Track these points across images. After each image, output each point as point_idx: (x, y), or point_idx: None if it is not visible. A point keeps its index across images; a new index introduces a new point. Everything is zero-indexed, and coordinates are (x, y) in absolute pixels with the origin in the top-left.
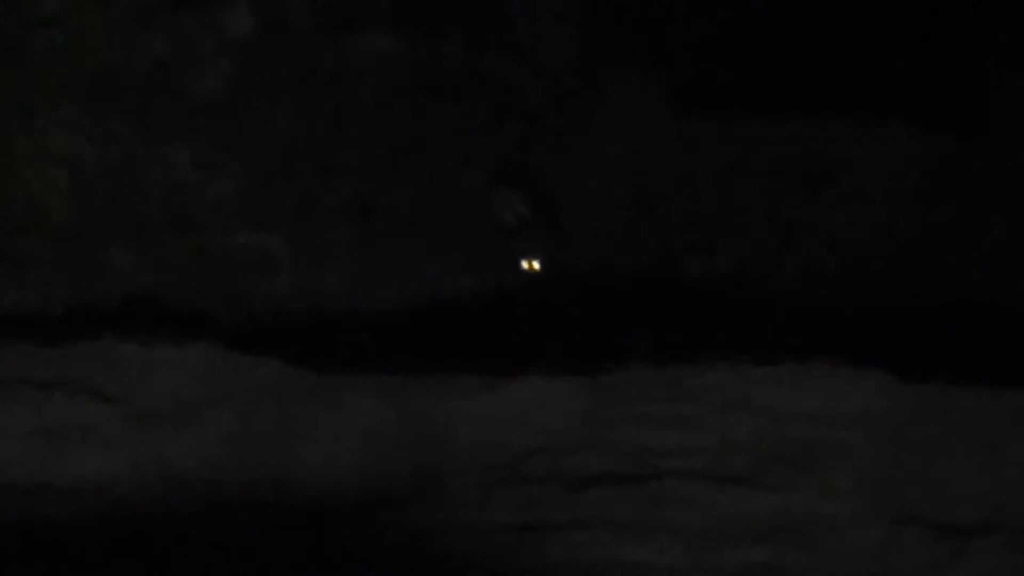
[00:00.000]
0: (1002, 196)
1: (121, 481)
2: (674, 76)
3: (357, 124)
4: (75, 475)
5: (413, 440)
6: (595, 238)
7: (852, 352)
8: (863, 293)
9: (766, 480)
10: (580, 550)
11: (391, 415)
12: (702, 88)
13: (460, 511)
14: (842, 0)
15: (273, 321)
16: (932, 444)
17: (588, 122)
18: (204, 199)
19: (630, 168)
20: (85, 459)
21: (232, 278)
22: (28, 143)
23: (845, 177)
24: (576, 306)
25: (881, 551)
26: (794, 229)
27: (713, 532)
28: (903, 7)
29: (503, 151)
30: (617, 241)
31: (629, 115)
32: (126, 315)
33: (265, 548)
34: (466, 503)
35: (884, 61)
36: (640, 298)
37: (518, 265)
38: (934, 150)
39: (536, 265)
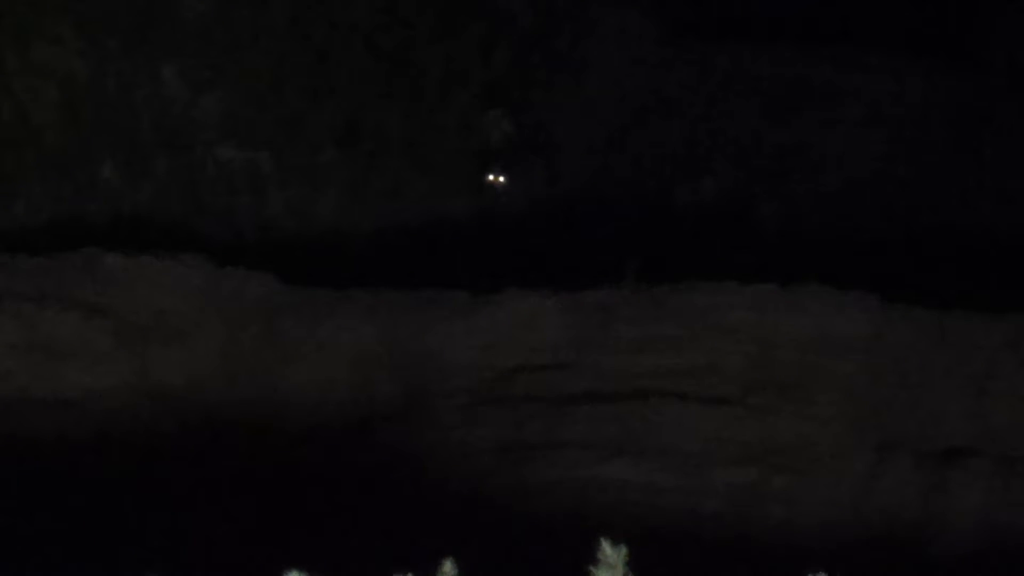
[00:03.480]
0: (992, 124)
1: (109, 396)
2: (663, 6)
3: (346, 46)
4: (63, 389)
5: (400, 358)
6: (585, 160)
7: (841, 277)
8: (852, 219)
9: (754, 403)
10: (561, 469)
11: (378, 332)
12: (690, 18)
13: (445, 431)
14: None
15: (262, 239)
16: (920, 371)
17: (577, 48)
18: (192, 116)
19: (619, 94)
20: (74, 373)
21: (221, 196)
22: (18, 58)
23: (832, 104)
24: (564, 228)
25: (865, 477)
26: (783, 155)
27: (699, 454)
28: None
29: (492, 74)
30: (607, 164)
31: (618, 43)
32: (115, 231)
33: (250, 468)
34: (451, 423)
35: None
36: (628, 221)
37: (506, 186)
38: (922, 78)
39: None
